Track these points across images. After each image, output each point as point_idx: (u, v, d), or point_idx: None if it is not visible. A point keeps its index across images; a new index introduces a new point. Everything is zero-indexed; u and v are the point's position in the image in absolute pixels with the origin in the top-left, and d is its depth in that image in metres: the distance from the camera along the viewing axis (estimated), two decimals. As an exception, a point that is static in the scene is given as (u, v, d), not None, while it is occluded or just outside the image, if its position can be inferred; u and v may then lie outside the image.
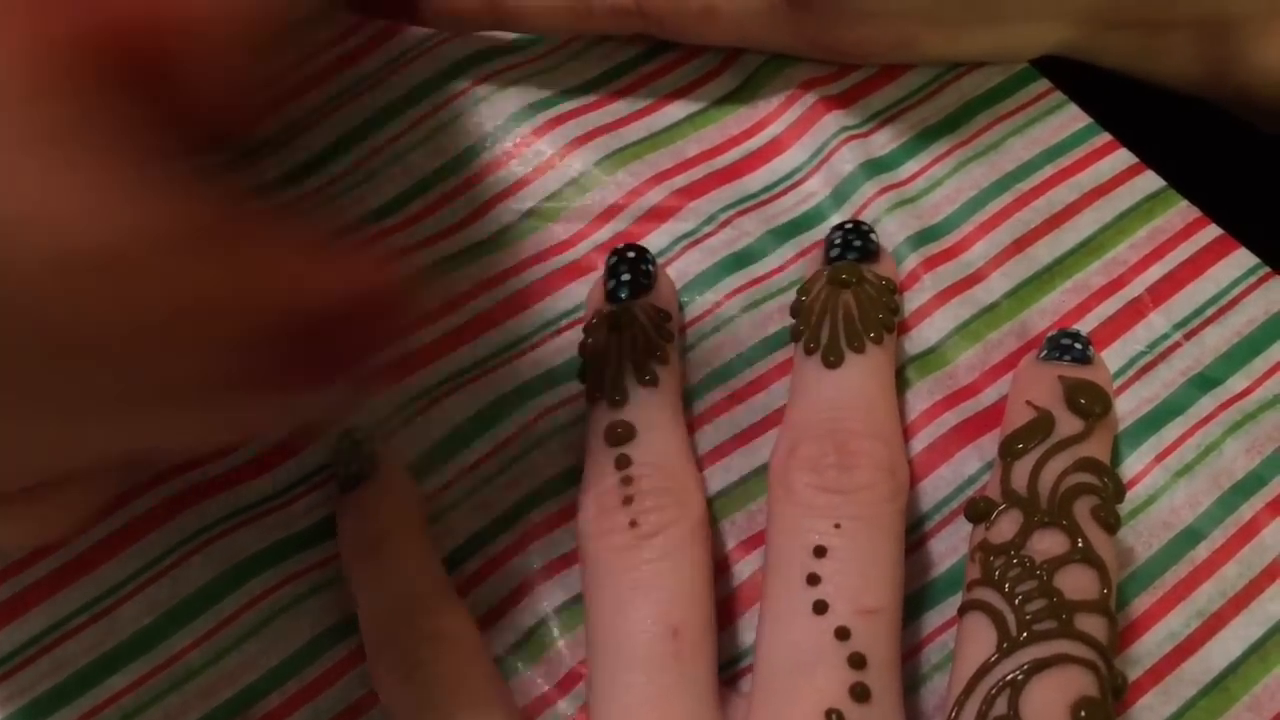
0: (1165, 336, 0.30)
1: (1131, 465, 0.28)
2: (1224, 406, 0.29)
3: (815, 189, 0.32)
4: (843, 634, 0.23)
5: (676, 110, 0.34)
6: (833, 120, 0.33)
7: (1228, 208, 0.32)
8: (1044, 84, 0.34)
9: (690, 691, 0.24)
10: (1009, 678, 0.23)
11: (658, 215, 0.32)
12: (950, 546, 0.28)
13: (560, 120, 0.33)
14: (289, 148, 0.33)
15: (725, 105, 0.34)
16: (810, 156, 0.33)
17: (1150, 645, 0.26)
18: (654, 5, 0.33)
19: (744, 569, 0.27)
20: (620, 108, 0.34)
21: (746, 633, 0.27)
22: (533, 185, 0.32)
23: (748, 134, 0.33)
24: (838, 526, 0.24)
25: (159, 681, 0.27)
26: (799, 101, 0.33)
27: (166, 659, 0.27)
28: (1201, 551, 0.27)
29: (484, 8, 0.33)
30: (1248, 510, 0.28)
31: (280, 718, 0.26)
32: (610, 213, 0.32)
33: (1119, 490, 0.26)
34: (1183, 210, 0.31)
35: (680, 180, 0.33)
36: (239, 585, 0.28)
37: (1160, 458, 0.28)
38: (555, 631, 0.27)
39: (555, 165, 0.33)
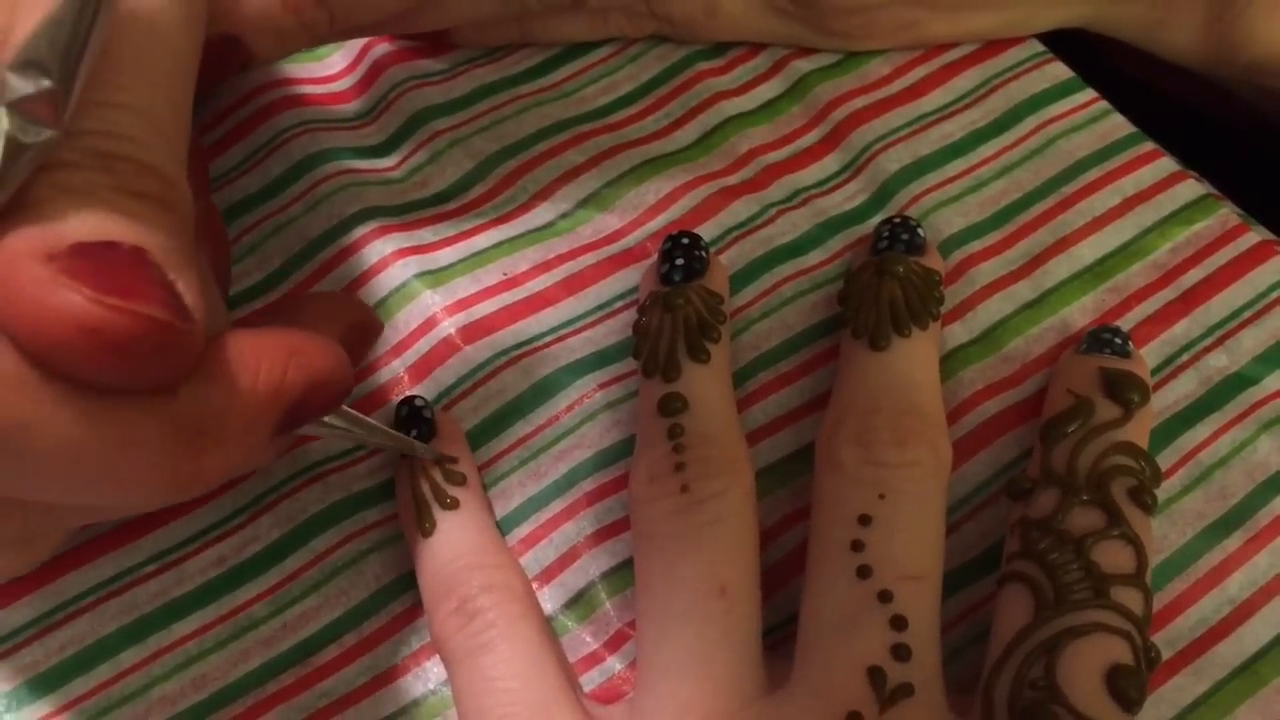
0: (1202, 337, 0.31)
1: (1167, 458, 0.29)
2: (1259, 404, 0.30)
3: (858, 189, 0.33)
4: (885, 597, 0.24)
5: (728, 109, 0.35)
6: (875, 126, 0.34)
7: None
8: (1089, 93, 0.35)
9: (735, 647, 0.24)
10: (1045, 644, 0.23)
11: (710, 208, 0.33)
12: (987, 529, 0.28)
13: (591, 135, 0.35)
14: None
15: (775, 106, 0.35)
16: (852, 159, 0.34)
17: (1183, 628, 0.27)
18: (664, 7, 0.34)
19: (788, 541, 0.28)
20: (673, 109, 0.35)
21: (790, 601, 0.27)
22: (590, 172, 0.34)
23: (798, 133, 0.35)
24: (882, 497, 0.25)
25: (223, 630, 0.28)
26: (841, 107, 0.35)
27: (230, 609, 0.28)
28: (1234, 541, 0.28)
29: (511, 22, 0.35)
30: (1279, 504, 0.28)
31: (338, 668, 0.27)
32: (664, 204, 0.33)
33: (1156, 474, 0.26)
34: (1223, 217, 0.32)
35: (731, 180, 0.34)
36: (303, 543, 0.29)
37: (1195, 451, 0.29)
38: (604, 594, 0.28)
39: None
